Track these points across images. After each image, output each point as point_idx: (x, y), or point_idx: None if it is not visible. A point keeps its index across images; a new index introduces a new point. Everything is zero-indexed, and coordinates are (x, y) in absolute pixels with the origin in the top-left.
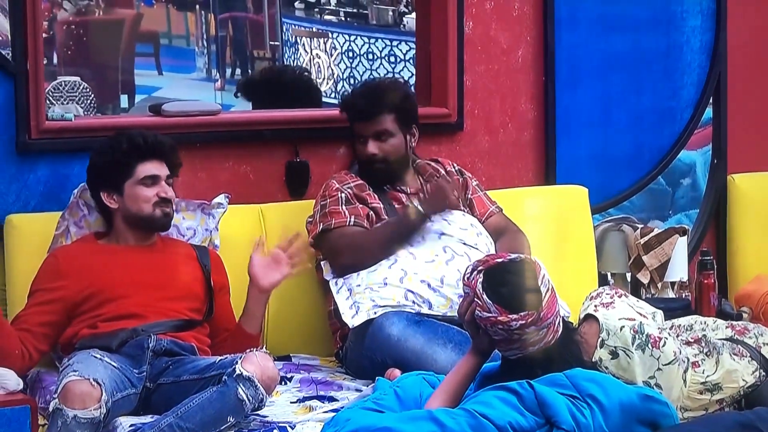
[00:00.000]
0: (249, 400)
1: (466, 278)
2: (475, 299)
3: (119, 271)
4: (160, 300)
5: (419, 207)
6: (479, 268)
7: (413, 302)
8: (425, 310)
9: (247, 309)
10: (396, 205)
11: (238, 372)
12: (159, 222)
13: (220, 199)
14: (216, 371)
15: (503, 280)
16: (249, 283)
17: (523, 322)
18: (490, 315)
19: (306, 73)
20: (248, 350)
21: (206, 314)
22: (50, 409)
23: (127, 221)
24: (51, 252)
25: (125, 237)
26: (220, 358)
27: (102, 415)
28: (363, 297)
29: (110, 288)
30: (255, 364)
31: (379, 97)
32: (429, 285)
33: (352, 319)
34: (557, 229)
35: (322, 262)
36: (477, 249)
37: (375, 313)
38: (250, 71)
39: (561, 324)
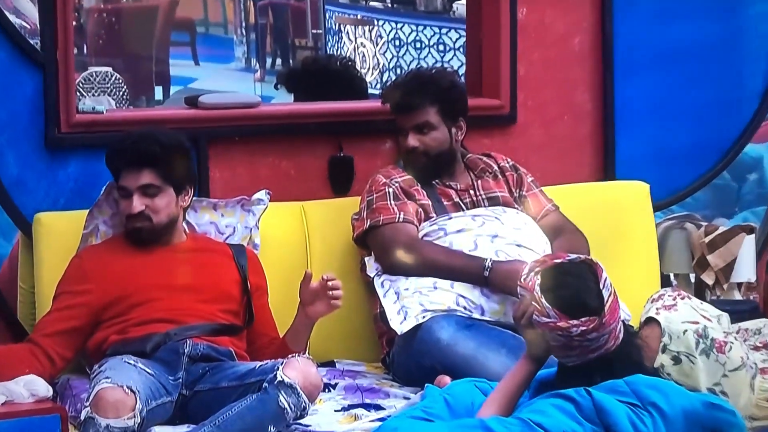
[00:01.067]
0: (291, 408)
1: (522, 279)
2: (533, 302)
3: (148, 272)
4: (194, 302)
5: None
6: (536, 269)
7: (464, 307)
8: (477, 315)
9: (294, 327)
10: (445, 202)
11: (279, 379)
12: (133, 236)
13: (261, 195)
14: (256, 378)
15: (563, 282)
16: (299, 303)
17: (585, 328)
18: (549, 320)
19: (350, 63)
20: (290, 356)
21: (246, 320)
22: (81, 417)
23: None
24: (77, 253)
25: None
26: (260, 363)
27: (136, 425)
28: (411, 301)
29: (139, 291)
30: (297, 370)
31: (419, 87)
32: (481, 290)
33: (400, 325)
34: (617, 227)
35: (366, 259)
36: (532, 250)
37: (424, 317)
38: (291, 61)
39: (622, 329)
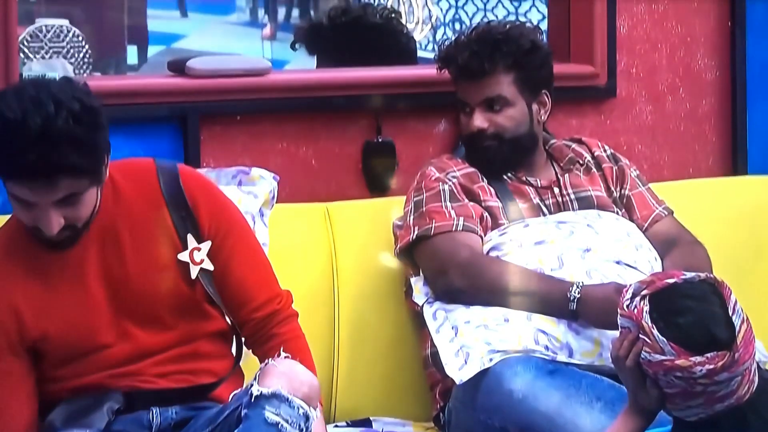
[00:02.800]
0: (287, 421)
1: (624, 307)
2: (641, 335)
3: (57, 313)
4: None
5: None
6: (644, 293)
7: (546, 347)
8: (563, 357)
9: None
10: (520, 204)
11: (256, 393)
12: (47, 244)
13: (262, 172)
14: (232, 409)
15: (680, 307)
16: None
17: (712, 366)
18: (664, 358)
19: (394, 16)
20: (264, 363)
21: (235, 361)
22: None
23: None
24: None
25: None
26: (234, 392)
27: None
28: (474, 339)
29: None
30: (276, 375)
31: (491, 49)
32: (568, 324)
33: (459, 371)
34: (750, 237)
35: (413, 280)
36: (636, 269)
37: (491, 360)
38: (312, 13)
39: (757, 372)
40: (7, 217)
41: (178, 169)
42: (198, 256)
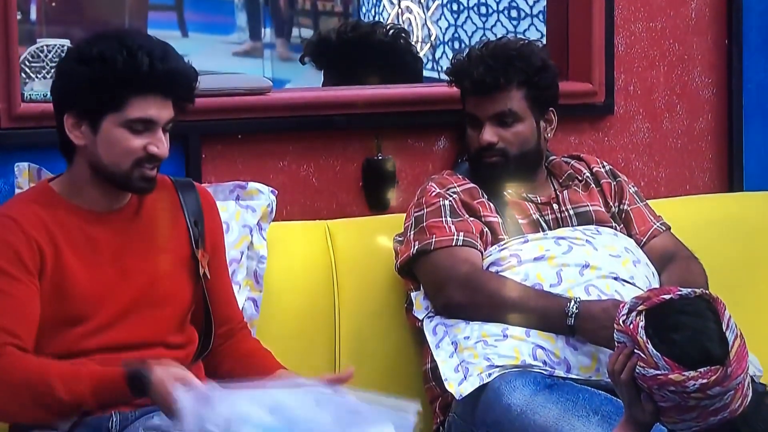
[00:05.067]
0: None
1: (621, 322)
2: (636, 350)
3: (75, 276)
4: (141, 328)
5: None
6: (639, 308)
7: (544, 362)
8: (561, 372)
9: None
10: (520, 220)
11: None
12: (135, 186)
13: (259, 186)
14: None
15: (674, 323)
16: None
17: (705, 380)
18: (658, 372)
19: (404, 35)
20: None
21: (199, 348)
22: None
23: (93, 168)
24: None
25: (88, 191)
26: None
27: None
28: (473, 354)
29: (96, 306)
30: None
31: (506, 63)
32: (567, 339)
33: (458, 386)
34: (746, 253)
35: (413, 295)
36: (634, 284)
37: (490, 375)
38: (311, 31)
39: (750, 386)
40: None
41: (194, 183)
42: (203, 261)
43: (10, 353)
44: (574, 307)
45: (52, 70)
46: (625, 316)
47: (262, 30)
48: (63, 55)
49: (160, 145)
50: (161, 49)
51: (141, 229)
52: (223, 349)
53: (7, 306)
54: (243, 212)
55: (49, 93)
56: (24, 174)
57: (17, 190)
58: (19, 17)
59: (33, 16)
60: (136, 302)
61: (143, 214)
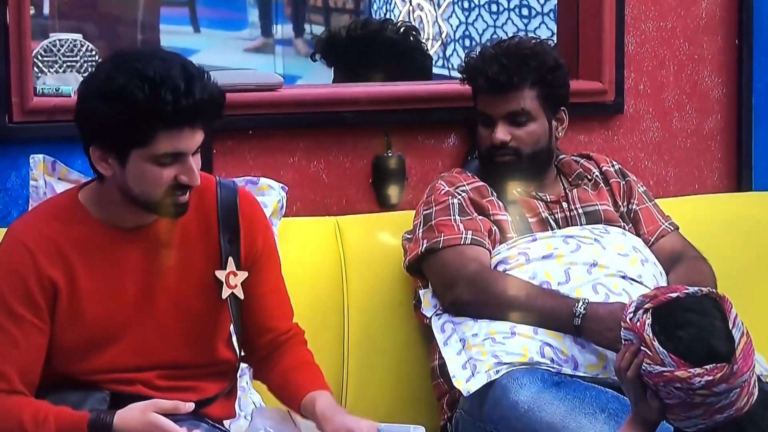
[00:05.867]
0: None
1: (627, 320)
2: (642, 348)
3: (94, 300)
4: (164, 343)
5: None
6: (646, 306)
7: (552, 359)
8: (568, 370)
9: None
10: (529, 218)
11: None
12: (167, 212)
13: (270, 182)
14: None
15: (681, 320)
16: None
17: (711, 378)
18: (664, 369)
19: (414, 32)
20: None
21: (231, 379)
22: None
23: (123, 193)
24: (10, 232)
25: (117, 210)
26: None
27: None
28: (481, 351)
29: (116, 320)
30: None
31: (520, 62)
32: (574, 337)
33: (466, 383)
34: (754, 252)
35: (421, 293)
36: (641, 283)
37: (497, 372)
38: (322, 28)
39: (756, 385)
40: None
41: (238, 192)
42: (233, 281)
43: None
44: (582, 308)
45: (65, 65)
46: (632, 314)
47: (274, 26)
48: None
49: (191, 174)
50: (185, 81)
51: (169, 247)
52: (272, 359)
53: (11, 351)
54: None
55: (61, 88)
56: (39, 166)
57: (31, 182)
58: (32, 12)
59: (46, 10)
60: (160, 323)
61: (170, 233)
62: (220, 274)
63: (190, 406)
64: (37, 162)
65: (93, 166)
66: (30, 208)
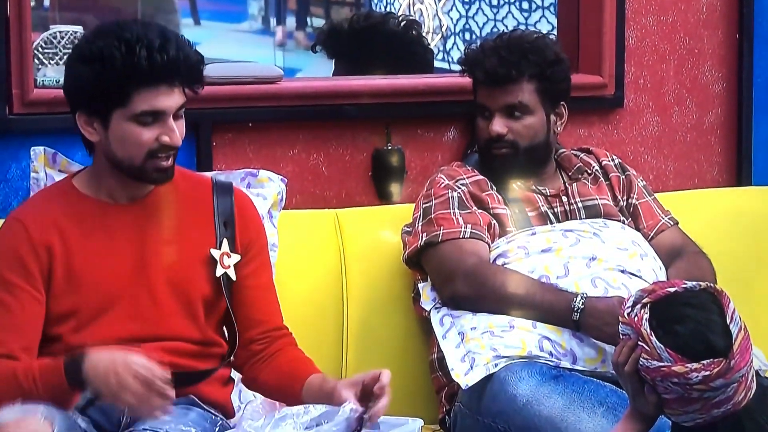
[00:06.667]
0: None
1: (625, 314)
2: (640, 342)
3: (122, 251)
4: (163, 311)
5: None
6: (644, 300)
7: (550, 353)
8: (567, 363)
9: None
10: (529, 212)
11: None
12: (150, 177)
13: (270, 174)
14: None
15: (679, 315)
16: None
17: (708, 372)
18: (661, 364)
19: (416, 26)
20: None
21: (228, 350)
22: None
23: (110, 162)
24: (13, 214)
25: (108, 184)
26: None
27: None
28: (480, 345)
29: (107, 287)
30: None
31: (519, 55)
32: (572, 331)
33: (464, 376)
34: (753, 247)
35: (420, 286)
36: (640, 278)
37: (496, 366)
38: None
39: (754, 379)
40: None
41: (233, 186)
42: (227, 261)
43: None
44: (580, 302)
45: (65, 57)
46: (630, 309)
47: (272, 19)
48: (74, 43)
49: (172, 134)
50: (160, 39)
51: (161, 220)
52: (263, 356)
53: (6, 320)
54: (254, 199)
55: (61, 80)
56: (40, 158)
57: (32, 174)
58: (32, 4)
59: (46, 2)
60: (151, 292)
61: (165, 207)
62: (215, 253)
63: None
64: (38, 154)
65: (82, 136)
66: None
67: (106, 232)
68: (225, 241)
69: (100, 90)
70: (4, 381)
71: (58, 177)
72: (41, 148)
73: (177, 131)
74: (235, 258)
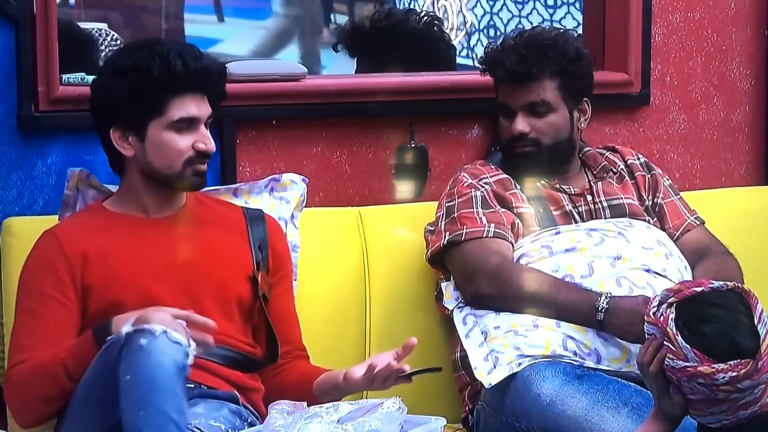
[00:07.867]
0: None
1: (651, 314)
2: (665, 342)
3: (151, 260)
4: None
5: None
6: (670, 300)
7: (575, 352)
8: (591, 363)
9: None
10: (553, 211)
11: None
12: (188, 183)
13: (293, 176)
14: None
15: (706, 315)
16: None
17: (735, 374)
18: (687, 364)
19: (437, 22)
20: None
21: (267, 353)
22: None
23: (145, 176)
24: (50, 230)
25: (141, 200)
26: None
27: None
28: (503, 344)
29: (138, 291)
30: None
31: (540, 53)
32: (597, 330)
33: (488, 375)
34: None
35: (443, 285)
36: (666, 277)
37: (520, 365)
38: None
39: None
40: (47, 217)
41: (264, 213)
42: (265, 282)
43: (18, 371)
44: (605, 302)
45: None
46: (655, 308)
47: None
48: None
49: (207, 141)
50: (191, 50)
51: (196, 233)
52: (285, 369)
53: (35, 326)
54: (277, 204)
55: (86, 77)
56: (74, 179)
57: (66, 191)
58: (58, 1)
59: (72, 1)
60: (193, 298)
61: (198, 221)
62: (259, 275)
63: (212, 324)
64: (74, 175)
65: (112, 155)
66: (58, 217)
67: (140, 240)
68: (261, 263)
69: (137, 100)
70: (37, 374)
71: (89, 192)
72: (77, 169)
73: (210, 138)
74: (269, 280)
